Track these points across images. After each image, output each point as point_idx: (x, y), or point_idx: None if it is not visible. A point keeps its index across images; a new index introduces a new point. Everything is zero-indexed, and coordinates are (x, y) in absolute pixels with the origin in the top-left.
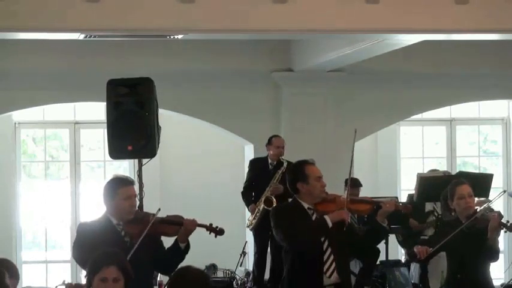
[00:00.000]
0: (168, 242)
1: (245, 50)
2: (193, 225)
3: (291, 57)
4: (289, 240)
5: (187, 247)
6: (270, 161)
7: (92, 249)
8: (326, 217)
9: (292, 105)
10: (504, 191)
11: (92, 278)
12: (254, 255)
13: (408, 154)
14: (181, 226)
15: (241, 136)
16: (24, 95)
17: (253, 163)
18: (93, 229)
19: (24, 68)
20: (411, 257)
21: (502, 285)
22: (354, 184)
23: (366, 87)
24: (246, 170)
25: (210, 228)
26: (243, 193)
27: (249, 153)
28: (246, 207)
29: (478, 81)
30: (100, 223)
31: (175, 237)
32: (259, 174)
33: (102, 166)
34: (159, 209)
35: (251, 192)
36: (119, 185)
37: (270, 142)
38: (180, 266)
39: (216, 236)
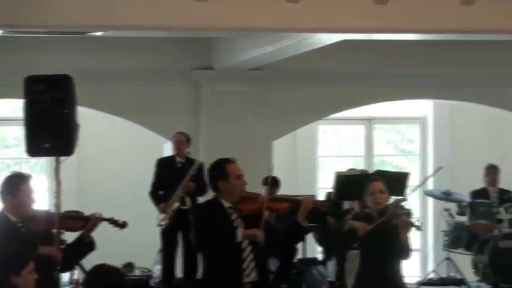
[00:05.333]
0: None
1: (165, 47)
2: (97, 219)
3: (211, 56)
4: (197, 243)
5: (92, 243)
6: (178, 159)
7: None
8: (239, 231)
9: (212, 104)
10: (439, 168)
11: (18, 272)
12: (161, 254)
13: (327, 153)
14: (86, 221)
15: (159, 134)
16: None
17: (161, 162)
18: None
19: None
20: (350, 231)
21: (417, 282)
22: (273, 183)
23: (285, 86)
24: None
25: (113, 222)
26: (151, 193)
27: (168, 151)
28: (156, 207)
29: (395, 81)
30: None
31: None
32: (167, 173)
33: (19, 163)
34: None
35: (159, 191)
36: (21, 181)
37: (172, 138)
38: (95, 263)
39: (120, 229)
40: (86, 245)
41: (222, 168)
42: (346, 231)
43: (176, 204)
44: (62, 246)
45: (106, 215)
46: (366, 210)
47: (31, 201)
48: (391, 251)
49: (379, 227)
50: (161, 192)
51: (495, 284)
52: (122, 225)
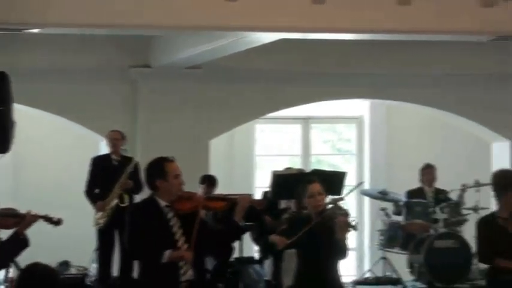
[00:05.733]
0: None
1: (103, 46)
2: (32, 217)
3: (149, 54)
4: (129, 246)
5: (26, 241)
6: (114, 157)
7: None
8: (167, 252)
9: (149, 102)
10: (361, 183)
11: None
12: (97, 253)
13: (264, 152)
14: (21, 218)
15: (97, 132)
16: None
17: (96, 160)
18: None
19: None
20: (269, 246)
21: (353, 281)
22: (210, 182)
23: (223, 84)
24: None
25: (47, 219)
26: (86, 191)
27: (104, 149)
28: (92, 205)
29: (332, 81)
30: None
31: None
32: (102, 171)
33: None
34: None
35: (94, 190)
36: None
37: (106, 137)
38: (28, 262)
39: (55, 226)
40: (20, 243)
41: (160, 167)
42: (265, 244)
43: (114, 202)
44: None
45: (41, 213)
46: (304, 211)
47: None
48: (328, 251)
49: (318, 228)
50: (97, 191)
51: (430, 283)
52: (57, 222)
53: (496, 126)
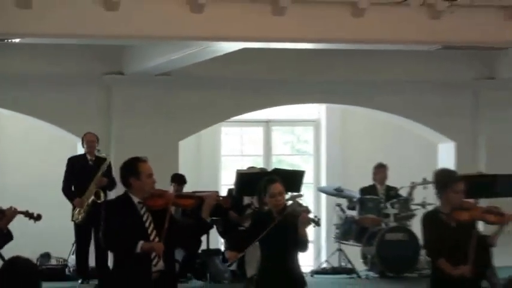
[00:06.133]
0: None
1: (80, 54)
2: (13, 212)
3: (122, 62)
4: (105, 239)
5: (10, 234)
6: (89, 157)
7: None
8: (140, 243)
9: (123, 106)
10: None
11: None
12: (75, 246)
13: (229, 152)
14: (2, 214)
15: (74, 134)
16: None
17: (72, 160)
18: None
19: None
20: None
21: (311, 271)
22: (179, 180)
23: (191, 90)
24: None
25: (28, 214)
26: (64, 189)
27: (81, 150)
28: (70, 202)
29: (291, 87)
30: None
31: None
32: (79, 170)
33: None
34: None
35: (71, 187)
36: None
37: (82, 139)
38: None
39: (35, 222)
40: (4, 236)
41: (134, 166)
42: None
43: (91, 198)
44: None
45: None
46: (265, 207)
47: None
48: (291, 246)
49: (279, 224)
50: (73, 188)
51: (382, 272)
52: (37, 217)
53: (442, 129)
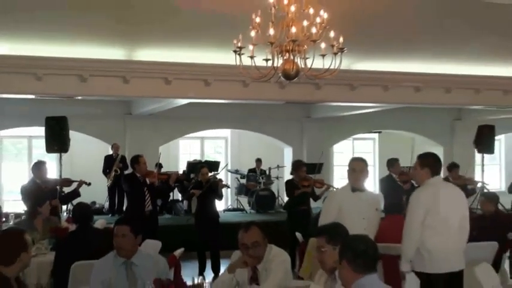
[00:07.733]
0: None
1: (111, 104)
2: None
3: (131, 107)
4: (125, 188)
5: (79, 193)
6: (114, 155)
7: None
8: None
9: (131, 130)
10: (226, 165)
11: None
12: (109, 197)
13: (184, 152)
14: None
15: (107, 143)
16: None
17: (106, 157)
18: None
19: None
20: (190, 195)
21: (223, 210)
22: (159, 166)
23: (168, 120)
24: None
25: (84, 183)
26: (103, 171)
27: (110, 151)
28: (105, 176)
29: (214, 121)
30: None
31: None
32: (108, 161)
33: None
34: None
35: (106, 170)
36: None
37: (112, 146)
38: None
39: (88, 186)
40: (77, 194)
41: (136, 159)
42: (187, 195)
43: (113, 174)
44: None
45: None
46: (199, 179)
47: None
48: (213, 197)
49: (207, 187)
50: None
51: (257, 210)
52: (89, 184)
53: (285, 139)
